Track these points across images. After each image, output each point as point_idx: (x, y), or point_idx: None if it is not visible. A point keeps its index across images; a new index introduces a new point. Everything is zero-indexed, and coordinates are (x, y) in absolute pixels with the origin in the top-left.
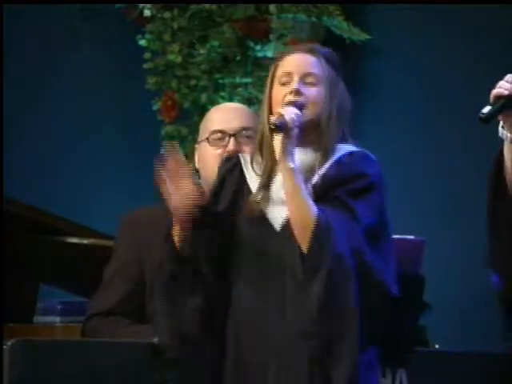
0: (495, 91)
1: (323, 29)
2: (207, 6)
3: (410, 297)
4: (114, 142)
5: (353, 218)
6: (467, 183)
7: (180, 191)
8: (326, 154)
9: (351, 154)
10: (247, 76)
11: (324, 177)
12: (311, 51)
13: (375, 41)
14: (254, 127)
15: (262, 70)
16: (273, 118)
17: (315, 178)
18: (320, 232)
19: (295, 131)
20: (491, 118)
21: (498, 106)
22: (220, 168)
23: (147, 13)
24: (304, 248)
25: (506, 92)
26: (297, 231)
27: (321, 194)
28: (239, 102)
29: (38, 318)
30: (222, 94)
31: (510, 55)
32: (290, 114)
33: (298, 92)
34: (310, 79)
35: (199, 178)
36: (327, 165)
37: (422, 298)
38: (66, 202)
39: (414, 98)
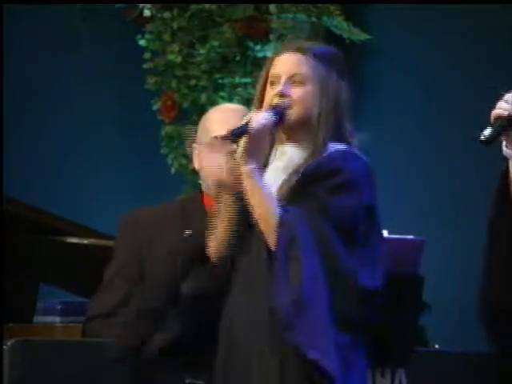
0: (495, 112)
1: (323, 29)
2: (207, 6)
3: (409, 297)
4: (113, 142)
5: (325, 215)
6: (467, 183)
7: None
8: (314, 151)
9: (334, 152)
10: (247, 76)
11: (303, 173)
12: (299, 50)
13: (375, 41)
14: None
15: (261, 70)
16: (232, 127)
17: (298, 176)
18: (284, 228)
19: (264, 135)
20: (492, 140)
21: (497, 127)
22: None
23: (147, 13)
24: (271, 246)
25: (506, 113)
26: (262, 230)
27: (299, 190)
28: (239, 102)
29: (38, 318)
30: (222, 94)
31: (510, 55)
32: (259, 119)
33: (282, 94)
34: (296, 79)
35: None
36: (312, 162)
37: (422, 298)
38: (66, 202)
39: (414, 98)
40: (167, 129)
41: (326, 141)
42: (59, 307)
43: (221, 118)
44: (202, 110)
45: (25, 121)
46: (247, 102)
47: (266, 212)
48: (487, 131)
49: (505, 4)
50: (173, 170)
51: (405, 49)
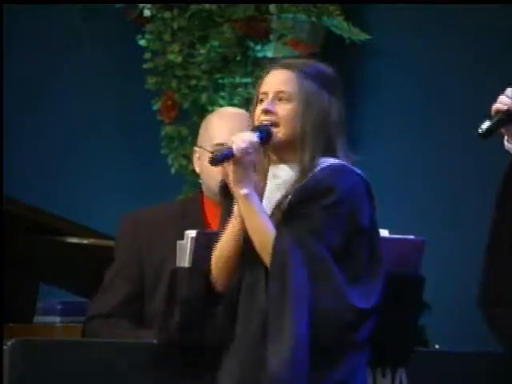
0: (495, 106)
1: (323, 29)
2: (207, 5)
3: (410, 297)
4: (114, 141)
5: (318, 235)
6: (467, 183)
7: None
8: (302, 170)
9: (325, 168)
10: (247, 76)
11: (294, 194)
12: (287, 67)
13: (375, 41)
14: None
15: (262, 70)
16: (214, 151)
17: (290, 196)
18: (277, 256)
19: (250, 157)
20: (490, 133)
21: (495, 121)
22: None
23: (147, 13)
24: (267, 265)
25: (505, 107)
26: (258, 252)
27: (292, 212)
28: (239, 102)
29: (38, 318)
30: (222, 94)
31: (510, 55)
32: (242, 141)
33: (266, 111)
34: (283, 96)
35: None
36: (304, 181)
37: (422, 298)
38: (66, 202)
39: (414, 98)
40: (167, 129)
41: (314, 158)
42: (59, 307)
43: (223, 124)
44: (202, 111)
45: (25, 121)
46: (247, 102)
47: (262, 237)
48: (485, 124)
49: (505, 4)
50: (173, 170)
51: (405, 49)
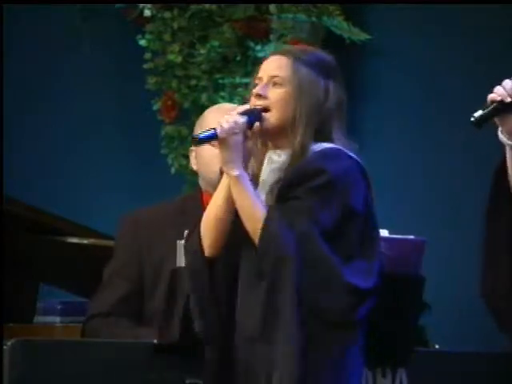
0: (490, 96)
1: (323, 29)
2: (207, 5)
3: (410, 297)
4: (114, 141)
5: (309, 216)
6: (467, 183)
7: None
8: (293, 155)
9: (318, 152)
10: (247, 76)
11: (285, 178)
12: (284, 53)
13: (375, 41)
14: None
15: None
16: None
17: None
18: (266, 238)
19: (236, 138)
20: (482, 122)
21: (488, 111)
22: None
23: (147, 13)
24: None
25: (499, 98)
26: (250, 234)
27: (283, 195)
28: (239, 102)
29: (38, 318)
30: (222, 94)
31: (510, 55)
32: (226, 122)
33: (257, 95)
34: (276, 80)
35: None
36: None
37: (422, 298)
38: (66, 202)
39: (414, 98)
40: (167, 129)
41: (305, 143)
42: (59, 307)
43: (218, 116)
44: (202, 110)
45: (25, 121)
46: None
47: (252, 217)
48: (478, 113)
49: (505, 4)
50: (173, 170)
51: (405, 49)
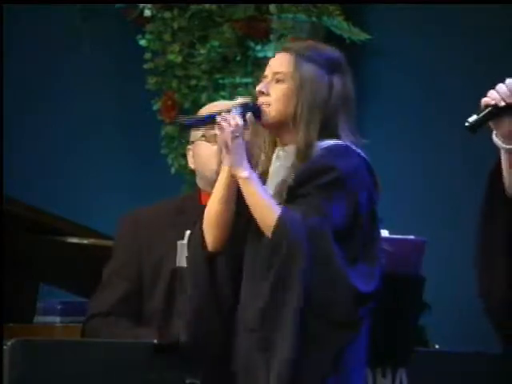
0: (484, 100)
1: (323, 29)
2: (207, 6)
3: (410, 297)
4: (114, 141)
5: (318, 213)
6: (467, 183)
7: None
8: (300, 151)
9: (324, 149)
10: (247, 76)
11: (295, 176)
12: (287, 49)
13: (375, 41)
14: None
15: (262, 70)
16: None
17: (290, 179)
18: (279, 235)
19: (238, 141)
20: (477, 127)
21: (483, 115)
22: None
23: (147, 13)
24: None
25: (493, 102)
26: (264, 232)
27: (293, 193)
28: None
29: (38, 318)
30: (223, 94)
31: (510, 55)
32: (229, 127)
33: (260, 92)
34: (279, 77)
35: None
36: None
37: (422, 298)
38: (66, 202)
39: (414, 98)
40: (167, 129)
41: (309, 140)
42: (59, 307)
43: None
44: None
45: (25, 121)
46: None
47: (265, 218)
48: (472, 118)
49: (505, 4)
50: (173, 170)
51: (405, 49)
